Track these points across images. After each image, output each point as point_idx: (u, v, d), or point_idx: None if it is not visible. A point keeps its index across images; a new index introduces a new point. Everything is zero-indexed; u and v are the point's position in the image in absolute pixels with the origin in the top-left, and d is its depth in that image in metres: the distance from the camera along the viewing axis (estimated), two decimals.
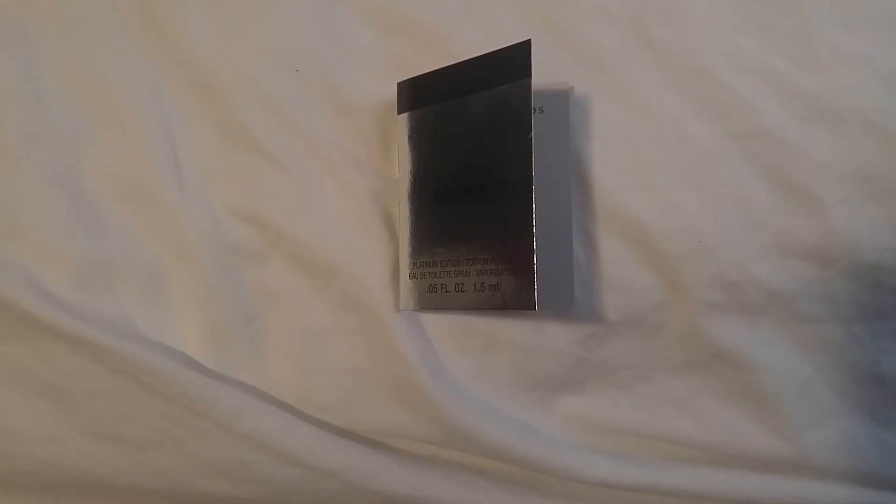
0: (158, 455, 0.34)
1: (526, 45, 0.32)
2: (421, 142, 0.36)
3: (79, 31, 0.36)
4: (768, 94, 0.37)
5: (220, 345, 0.35)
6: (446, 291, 0.35)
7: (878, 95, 0.36)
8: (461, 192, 0.34)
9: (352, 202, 0.36)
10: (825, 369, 0.37)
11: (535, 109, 0.35)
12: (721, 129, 0.36)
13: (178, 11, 0.37)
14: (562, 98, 0.36)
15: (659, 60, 0.37)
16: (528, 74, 0.32)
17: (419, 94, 0.36)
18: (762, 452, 0.37)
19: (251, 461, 0.34)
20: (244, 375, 0.36)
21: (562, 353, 0.37)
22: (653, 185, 0.36)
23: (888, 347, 0.37)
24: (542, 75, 0.33)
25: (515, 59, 0.32)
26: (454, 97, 0.35)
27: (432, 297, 0.35)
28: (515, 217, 0.32)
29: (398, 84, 0.37)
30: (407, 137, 0.36)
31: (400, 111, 0.37)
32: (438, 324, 0.36)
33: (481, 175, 0.34)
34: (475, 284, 0.34)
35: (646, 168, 0.36)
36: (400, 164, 0.36)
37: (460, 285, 0.34)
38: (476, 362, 0.37)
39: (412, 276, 0.36)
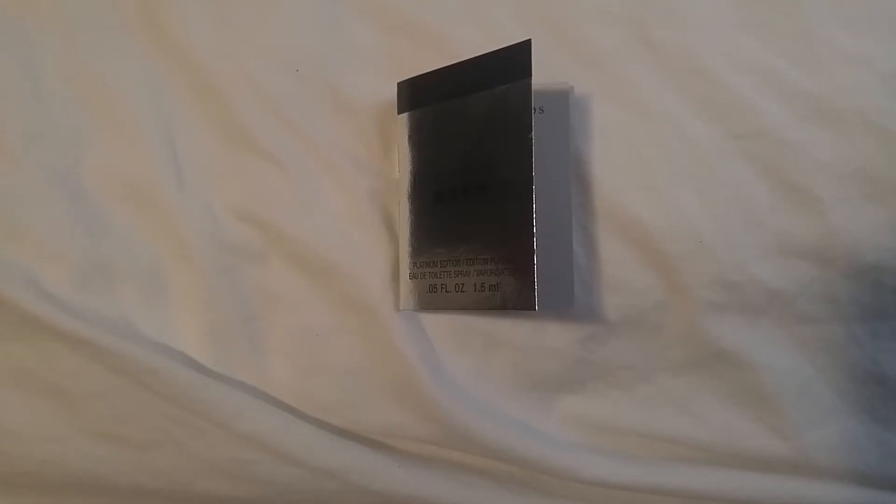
0: (158, 455, 0.34)
1: (526, 45, 0.32)
2: (421, 142, 0.36)
3: (79, 31, 0.36)
4: (768, 94, 0.37)
5: (220, 345, 0.35)
6: (446, 291, 0.35)
7: (878, 95, 0.36)
8: (461, 192, 0.34)
9: (352, 202, 0.36)
10: (825, 369, 0.37)
11: (535, 109, 0.35)
12: (721, 129, 0.36)
13: (178, 11, 0.37)
14: (562, 98, 0.36)
15: (659, 60, 0.37)
16: (528, 74, 0.32)
17: (419, 94, 0.36)
18: (762, 452, 0.37)
19: (251, 461, 0.34)
20: (244, 375, 0.36)
21: (562, 353, 0.37)
22: (653, 185, 0.36)
23: (888, 347, 0.37)
24: (542, 75, 0.33)
25: (515, 59, 0.32)
26: (454, 97, 0.35)
27: (432, 297, 0.35)
28: (515, 217, 0.32)
29: (398, 84, 0.37)
30: (407, 137, 0.36)
31: (400, 111, 0.37)
32: (438, 324, 0.36)
33: (481, 175, 0.34)
34: (475, 284, 0.34)
35: (646, 168, 0.36)
36: (400, 164, 0.36)
37: (460, 285, 0.34)
38: (476, 362, 0.37)
39: (412, 276, 0.36)
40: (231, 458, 0.34)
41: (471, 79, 0.34)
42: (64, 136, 0.35)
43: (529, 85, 0.32)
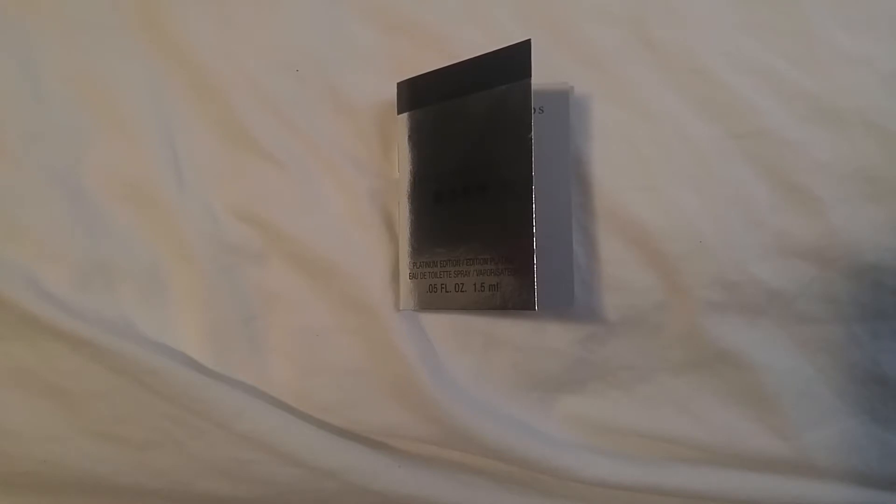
0: (158, 455, 0.34)
1: (526, 45, 0.32)
2: (421, 142, 0.36)
3: (79, 31, 0.36)
4: (768, 94, 0.37)
5: (220, 345, 0.35)
6: (446, 291, 0.35)
7: (878, 95, 0.36)
8: (461, 192, 0.34)
9: (352, 202, 0.36)
10: (825, 369, 0.37)
11: (535, 109, 0.35)
12: (721, 129, 0.36)
13: (178, 11, 0.37)
14: (562, 98, 0.36)
15: (659, 60, 0.37)
16: (528, 74, 0.32)
17: (419, 94, 0.36)
18: (762, 452, 0.37)
19: (251, 461, 0.34)
20: (244, 375, 0.36)
21: (562, 353, 0.37)
22: (653, 185, 0.36)
23: (888, 347, 0.37)
24: (542, 75, 0.33)
25: (515, 59, 0.32)
26: (454, 97, 0.35)
27: (432, 297, 0.35)
28: (515, 217, 0.32)
29: (398, 84, 0.37)
30: (407, 137, 0.36)
31: (400, 111, 0.37)
32: (438, 324, 0.36)
33: (481, 175, 0.34)
34: (475, 284, 0.34)
35: (646, 168, 0.36)
36: (400, 164, 0.36)
37: (460, 285, 0.34)
38: (476, 362, 0.37)
39: (412, 276, 0.36)
40: (231, 458, 0.34)
41: (471, 79, 0.34)
42: (64, 136, 0.35)
43: (529, 85, 0.32)
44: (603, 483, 0.36)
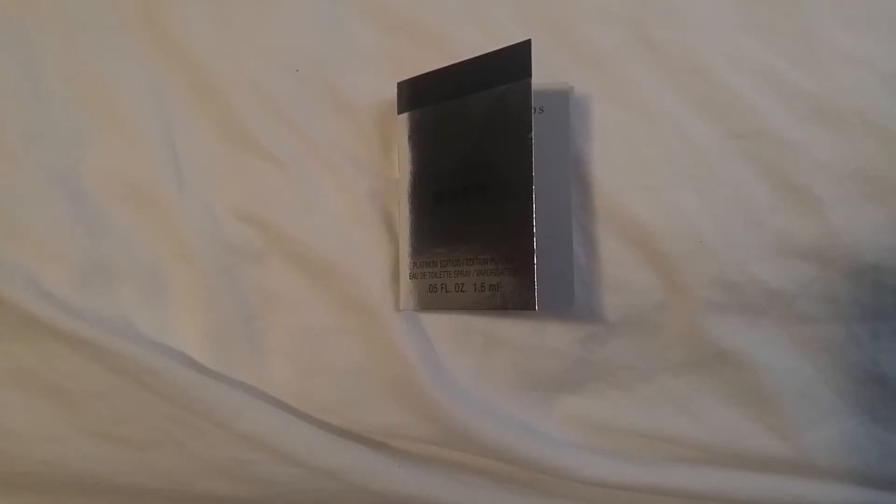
0: (158, 455, 0.34)
1: (526, 45, 0.32)
2: (421, 142, 0.36)
3: (79, 31, 0.36)
4: (768, 94, 0.37)
5: (220, 345, 0.35)
6: (446, 291, 0.35)
7: (878, 95, 0.36)
8: (461, 192, 0.34)
9: (352, 202, 0.36)
10: (825, 369, 0.37)
11: (535, 109, 0.35)
12: (721, 129, 0.36)
13: (178, 11, 0.37)
14: (562, 98, 0.36)
15: (659, 60, 0.37)
16: (528, 74, 0.32)
17: (419, 94, 0.36)
18: (762, 452, 0.37)
19: (251, 461, 0.34)
20: (244, 375, 0.36)
21: (562, 353, 0.37)
22: (653, 185, 0.36)
23: (888, 347, 0.37)
24: (542, 75, 0.33)
25: (515, 59, 0.32)
26: (454, 97, 0.35)
27: (432, 297, 0.35)
28: (515, 217, 0.32)
29: (398, 84, 0.37)
30: (407, 137, 0.36)
31: (400, 111, 0.37)
32: (438, 324, 0.36)
33: (481, 175, 0.34)
34: (475, 284, 0.34)
35: (646, 168, 0.36)
36: (400, 164, 0.36)
37: (460, 285, 0.34)
38: (476, 362, 0.37)
39: (412, 276, 0.36)
40: (231, 458, 0.34)
41: (471, 79, 0.34)
42: (64, 136, 0.35)
43: (529, 85, 0.32)
44: (603, 483, 0.36)
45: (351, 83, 0.37)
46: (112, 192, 0.35)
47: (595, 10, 0.38)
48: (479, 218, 0.34)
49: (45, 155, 0.35)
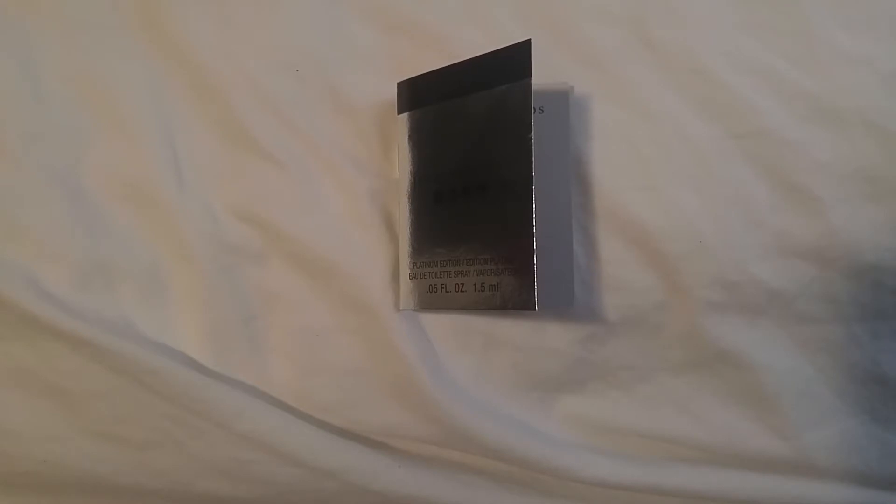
0: (158, 455, 0.34)
1: (526, 45, 0.32)
2: (421, 142, 0.36)
3: (79, 31, 0.36)
4: (768, 94, 0.37)
5: (220, 345, 0.35)
6: (446, 291, 0.35)
7: (878, 95, 0.36)
8: (461, 192, 0.34)
9: (352, 202, 0.36)
10: (825, 369, 0.37)
11: (535, 109, 0.35)
12: (721, 129, 0.36)
13: (178, 11, 0.37)
14: (562, 98, 0.36)
15: (659, 60, 0.37)
16: (528, 74, 0.32)
17: (419, 94, 0.36)
18: (762, 452, 0.37)
19: (251, 461, 0.34)
20: (244, 375, 0.36)
21: (562, 353, 0.37)
22: (653, 185, 0.36)
23: (888, 347, 0.37)
24: (542, 75, 0.33)
25: (515, 59, 0.32)
26: (454, 97, 0.35)
27: (432, 297, 0.35)
28: (515, 217, 0.32)
29: (398, 84, 0.37)
30: (407, 137, 0.36)
31: (400, 111, 0.37)
32: (438, 324, 0.36)
33: (481, 175, 0.34)
34: (475, 284, 0.34)
35: (646, 168, 0.36)
36: (400, 164, 0.36)
37: (460, 285, 0.34)
38: (476, 362, 0.37)
39: (412, 276, 0.36)
40: (231, 458, 0.34)
41: (471, 79, 0.34)
42: (64, 136, 0.35)
43: (529, 85, 0.32)
44: (603, 483, 0.36)
45: (351, 83, 0.37)
46: (112, 192, 0.35)
47: (595, 10, 0.38)
48: (479, 218, 0.34)
49: (45, 155, 0.35)
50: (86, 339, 0.32)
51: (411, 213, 0.36)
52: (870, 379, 0.37)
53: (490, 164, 0.33)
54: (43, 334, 0.32)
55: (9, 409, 0.33)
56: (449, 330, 0.36)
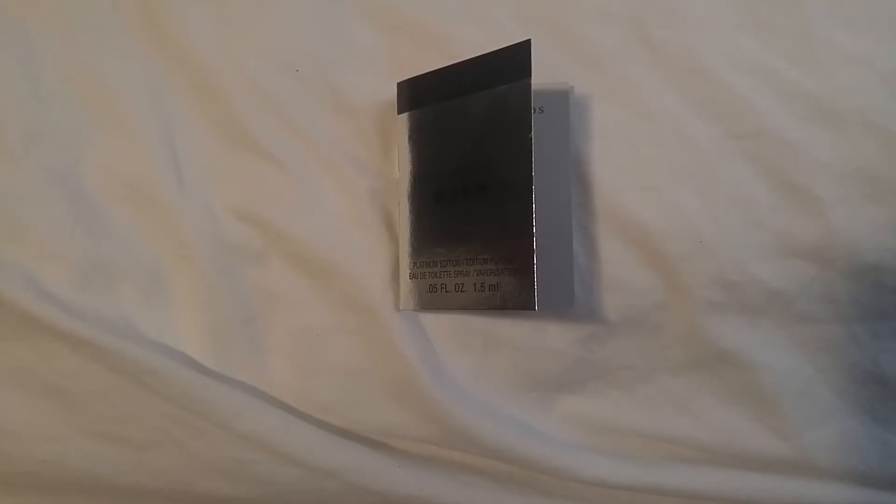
0: (158, 455, 0.34)
1: (526, 45, 0.32)
2: (421, 142, 0.36)
3: (79, 31, 0.36)
4: (768, 94, 0.37)
5: (220, 345, 0.35)
6: (446, 291, 0.35)
7: (878, 95, 0.36)
8: (461, 192, 0.34)
9: (352, 202, 0.36)
10: (825, 369, 0.37)
11: (535, 109, 0.35)
12: (721, 129, 0.36)
13: (178, 11, 0.37)
14: (562, 98, 0.36)
15: (659, 60, 0.37)
16: (528, 74, 0.32)
17: (419, 94, 0.36)
18: (762, 452, 0.37)
19: (251, 461, 0.34)
20: (244, 375, 0.36)
21: (562, 353, 0.37)
22: (653, 185, 0.36)
23: (888, 347, 0.37)
24: (542, 75, 0.33)
25: (515, 59, 0.32)
26: (454, 97, 0.35)
27: (432, 297, 0.35)
28: (515, 217, 0.32)
29: (398, 84, 0.37)
30: (407, 137, 0.36)
31: (400, 111, 0.37)
32: (438, 324, 0.36)
33: (481, 175, 0.34)
34: (475, 284, 0.34)
35: (646, 168, 0.36)
36: (400, 164, 0.36)
37: (460, 285, 0.34)
38: (476, 362, 0.37)
39: (412, 276, 0.36)
40: (231, 458, 0.34)
41: (471, 79, 0.34)
42: (64, 136, 0.35)
43: (529, 85, 0.32)
44: (603, 483, 0.36)
45: (351, 83, 0.37)
46: (112, 192, 0.35)
47: (595, 10, 0.38)
48: (479, 218, 0.34)
49: (45, 155, 0.35)
50: (86, 339, 0.32)
51: (411, 213, 0.36)
52: (870, 379, 0.37)
53: (490, 164, 0.33)
54: (43, 334, 0.32)
55: (9, 409, 0.33)
56: (449, 330, 0.36)
